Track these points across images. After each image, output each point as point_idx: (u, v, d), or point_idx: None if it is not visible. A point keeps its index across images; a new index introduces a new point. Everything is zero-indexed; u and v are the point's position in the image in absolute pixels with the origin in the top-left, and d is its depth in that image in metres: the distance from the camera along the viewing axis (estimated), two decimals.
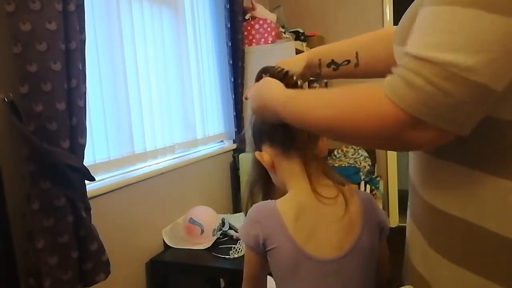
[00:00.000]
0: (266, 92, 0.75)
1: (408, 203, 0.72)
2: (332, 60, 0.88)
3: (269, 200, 0.85)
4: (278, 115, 0.70)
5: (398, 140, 0.52)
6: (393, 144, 0.56)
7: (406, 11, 0.64)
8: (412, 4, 0.62)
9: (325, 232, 0.81)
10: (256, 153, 0.89)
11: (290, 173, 0.87)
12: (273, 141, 0.87)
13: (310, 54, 0.93)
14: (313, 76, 0.93)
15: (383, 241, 0.90)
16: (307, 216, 0.82)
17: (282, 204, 0.83)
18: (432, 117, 0.47)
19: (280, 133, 0.85)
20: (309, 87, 0.97)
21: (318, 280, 0.80)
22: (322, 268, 0.80)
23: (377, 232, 0.87)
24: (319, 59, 0.91)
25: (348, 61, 0.88)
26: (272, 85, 0.76)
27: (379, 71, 0.80)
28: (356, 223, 0.83)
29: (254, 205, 0.86)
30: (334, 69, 0.90)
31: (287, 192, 0.88)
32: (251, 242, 0.83)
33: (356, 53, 0.86)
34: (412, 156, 0.69)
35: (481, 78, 0.45)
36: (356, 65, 0.87)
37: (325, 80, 2.86)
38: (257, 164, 0.91)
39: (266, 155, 0.88)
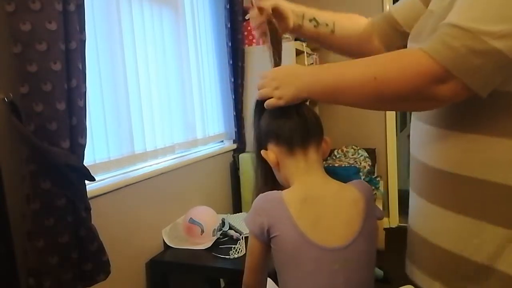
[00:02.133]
0: (292, 69, 0.84)
1: (415, 184, 0.79)
2: (314, 18, 0.98)
3: (274, 191, 0.88)
4: (307, 87, 0.78)
5: (427, 91, 0.61)
6: (423, 96, 0.63)
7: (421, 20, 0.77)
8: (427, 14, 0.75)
9: (331, 221, 0.84)
10: (262, 151, 0.92)
11: (294, 169, 0.89)
12: (279, 140, 0.90)
13: (297, 6, 1.01)
14: (294, 29, 1.01)
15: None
16: (312, 206, 0.84)
17: (287, 194, 0.86)
18: (461, 72, 0.58)
19: (286, 131, 0.88)
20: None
21: (324, 269, 0.81)
22: (328, 256, 0.81)
23: (375, 218, 0.90)
24: (303, 13, 1.00)
25: (327, 25, 1.01)
26: (295, 66, 0.87)
27: (347, 49, 1.03)
28: (360, 213, 0.86)
29: (259, 195, 0.89)
30: (314, 26, 1.00)
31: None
32: (256, 229, 0.84)
33: (333, 22, 0.99)
34: (421, 131, 0.77)
35: (501, 45, 0.56)
36: (332, 31, 1.00)
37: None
38: (261, 162, 0.94)
39: (271, 153, 0.91)
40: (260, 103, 0.92)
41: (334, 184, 0.91)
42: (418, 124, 0.79)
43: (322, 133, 0.92)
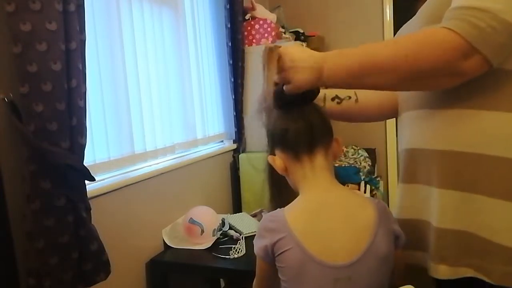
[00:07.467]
0: (302, 55, 0.80)
1: (423, 174, 0.84)
2: (336, 95, 1.00)
3: (277, 209, 0.86)
4: (324, 70, 0.76)
5: (455, 66, 0.68)
6: (451, 71, 0.69)
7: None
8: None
9: (336, 237, 0.81)
10: (269, 157, 0.90)
11: (302, 177, 0.87)
12: (284, 146, 0.88)
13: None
14: None
15: (398, 249, 0.88)
16: (317, 221, 0.82)
17: (289, 211, 0.84)
18: (486, 48, 0.66)
19: (291, 138, 0.86)
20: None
21: (327, 286, 0.79)
22: (332, 273, 0.79)
23: (392, 239, 0.85)
24: (325, 94, 1.01)
25: (350, 97, 1.01)
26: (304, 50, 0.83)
27: (371, 111, 1.04)
28: (369, 228, 0.82)
29: (263, 216, 0.88)
30: (337, 103, 1.01)
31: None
32: (261, 251, 0.83)
33: (355, 92, 1.00)
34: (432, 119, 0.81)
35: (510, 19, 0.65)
36: (356, 100, 1.01)
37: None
38: (270, 167, 0.92)
39: (278, 159, 0.89)
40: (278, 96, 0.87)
41: (342, 191, 0.88)
42: (418, 113, 0.84)
43: (331, 135, 0.89)
